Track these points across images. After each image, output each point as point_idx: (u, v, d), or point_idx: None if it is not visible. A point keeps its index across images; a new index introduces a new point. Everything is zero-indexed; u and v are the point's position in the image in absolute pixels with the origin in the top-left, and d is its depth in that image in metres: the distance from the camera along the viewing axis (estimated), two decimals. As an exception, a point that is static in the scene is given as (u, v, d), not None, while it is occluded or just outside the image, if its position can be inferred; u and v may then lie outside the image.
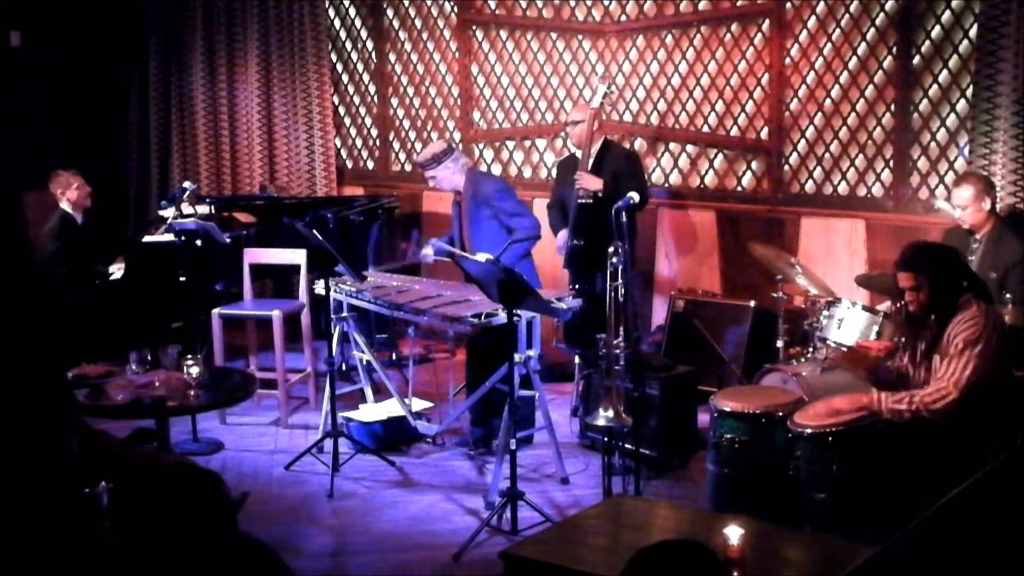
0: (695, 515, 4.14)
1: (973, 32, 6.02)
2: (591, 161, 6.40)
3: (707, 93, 7.09)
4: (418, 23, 8.44)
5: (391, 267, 6.37)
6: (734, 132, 7.02)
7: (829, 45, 6.59)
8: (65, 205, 6.98)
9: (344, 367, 6.77)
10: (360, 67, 8.81)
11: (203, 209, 7.39)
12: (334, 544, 4.83)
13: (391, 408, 6.01)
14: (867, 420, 4.28)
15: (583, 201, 6.32)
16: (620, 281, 4.79)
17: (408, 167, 8.64)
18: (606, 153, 6.48)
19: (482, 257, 5.47)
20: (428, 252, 6.06)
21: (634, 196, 5.52)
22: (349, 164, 9.00)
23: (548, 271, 6.08)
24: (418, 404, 6.09)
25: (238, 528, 2.56)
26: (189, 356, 5.01)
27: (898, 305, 4.44)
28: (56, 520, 2.90)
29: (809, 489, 4.39)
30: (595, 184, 6.28)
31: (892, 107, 6.41)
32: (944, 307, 4.22)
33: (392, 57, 8.62)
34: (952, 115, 6.21)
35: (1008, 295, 4.94)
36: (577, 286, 6.30)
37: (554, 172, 7.09)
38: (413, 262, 6.21)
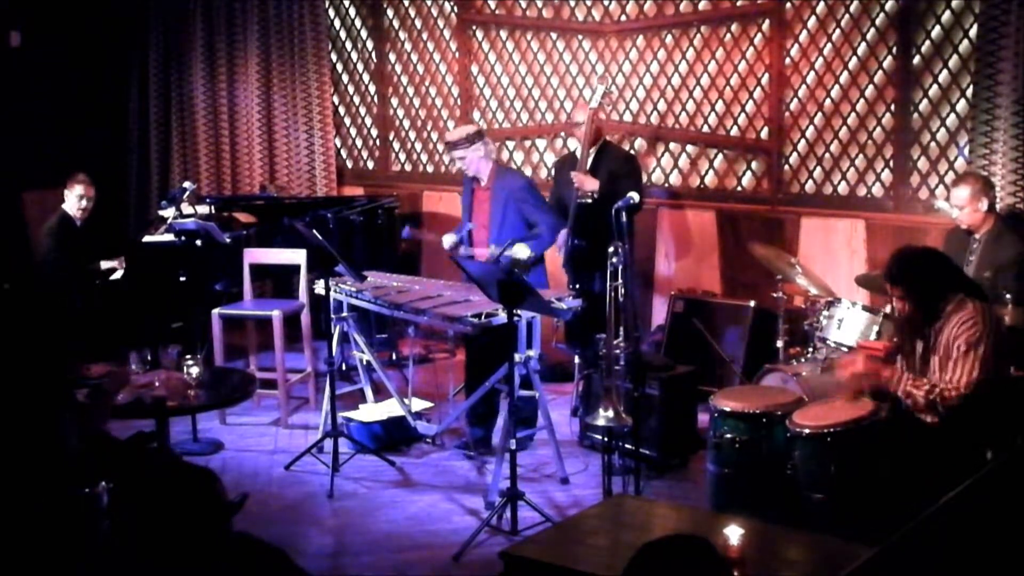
0: (695, 515, 4.13)
1: (973, 32, 6.02)
2: (589, 161, 6.40)
3: (707, 93, 7.09)
4: (418, 23, 8.43)
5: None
6: (734, 132, 7.02)
7: (829, 45, 6.59)
8: (67, 206, 6.97)
9: (344, 367, 6.77)
10: (360, 67, 8.81)
11: (203, 209, 7.38)
12: (334, 544, 4.82)
13: (391, 408, 6.01)
14: (866, 421, 4.28)
15: (582, 201, 6.32)
16: (620, 281, 4.79)
17: (408, 167, 8.64)
18: (604, 154, 6.48)
19: (522, 251, 5.55)
20: (451, 240, 6.06)
21: (634, 196, 5.52)
22: (349, 164, 9.00)
23: (548, 271, 6.08)
24: (418, 404, 6.08)
25: (233, 527, 2.56)
26: (189, 356, 5.01)
27: (896, 309, 4.46)
28: (56, 520, 2.90)
29: (807, 489, 4.39)
30: (591, 185, 6.28)
31: (892, 107, 6.41)
32: (930, 312, 4.24)
33: (392, 57, 8.62)
34: (952, 115, 6.21)
35: (1008, 295, 4.93)
36: (577, 286, 6.30)
37: (554, 172, 7.08)
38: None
